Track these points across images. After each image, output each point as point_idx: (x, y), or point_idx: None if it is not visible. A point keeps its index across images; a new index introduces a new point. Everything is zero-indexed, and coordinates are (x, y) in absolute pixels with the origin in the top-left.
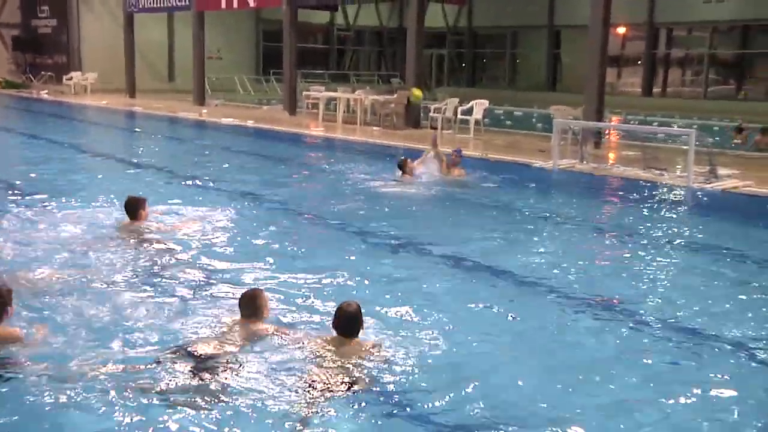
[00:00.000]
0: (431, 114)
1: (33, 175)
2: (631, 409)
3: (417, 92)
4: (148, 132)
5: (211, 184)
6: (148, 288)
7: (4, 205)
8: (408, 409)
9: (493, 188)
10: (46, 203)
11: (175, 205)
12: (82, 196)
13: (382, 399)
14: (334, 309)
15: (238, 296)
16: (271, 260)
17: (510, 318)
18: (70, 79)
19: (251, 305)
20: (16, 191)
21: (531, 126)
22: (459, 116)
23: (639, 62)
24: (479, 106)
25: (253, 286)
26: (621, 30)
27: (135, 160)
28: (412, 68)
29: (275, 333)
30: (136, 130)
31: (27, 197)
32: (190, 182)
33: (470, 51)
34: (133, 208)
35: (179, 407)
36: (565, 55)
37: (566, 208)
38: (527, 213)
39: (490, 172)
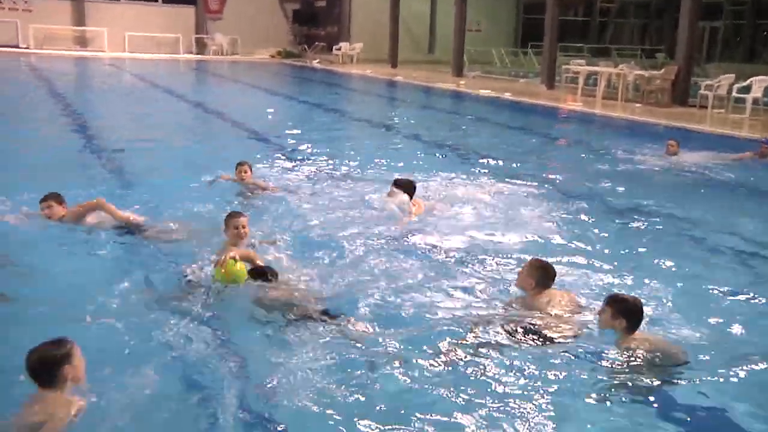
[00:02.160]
0: (701, 91)
1: (301, 135)
2: None
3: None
4: (408, 101)
5: (467, 156)
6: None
7: (278, 169)
8: None
9: None
10: (316, 168)
11: (430, 176)
12: (349, 162)
13: None
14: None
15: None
16: (534, 237)
17: None
18: (339, 49)
19: None
20: (284, 152)
21: None
22: (734, 94)
23: None
24: (759, 84)
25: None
26: None
27: (396, 129)
28: (684, 42)
29: None
30: (397, 98)
31: (298, 161)
32: (444, 152)
33: (750, 22)
34: (411, 189)
35: None
36: None
37: None
38: None
39: None
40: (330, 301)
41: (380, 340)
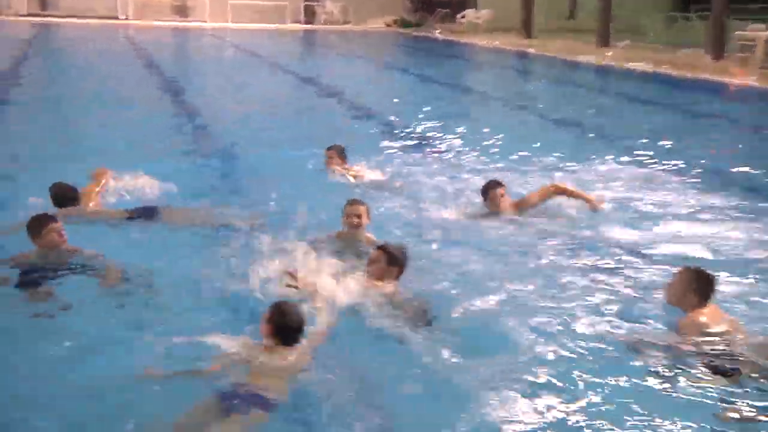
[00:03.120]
0: None
1: (417, 115)
2: None
3: None
4: (544, 76)
5: (613, 141)
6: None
7: (388, 152)
8: None
9: None
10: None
11: (570, 165)
12: (472, 147)
13: None
14: None
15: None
16: (700, 241)
17: None
18: (464, 16)
19: None
20: (397, 134)
21: None
22: None
23: None
24: None
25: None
26: None
27: (530, 109)
28: None
29: None
30: (531, 73)
31: (412, 144)
32: (587, 137)
33: None
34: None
35: None
36: None
37: None
38: None
39: None
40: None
41: (530, 366)
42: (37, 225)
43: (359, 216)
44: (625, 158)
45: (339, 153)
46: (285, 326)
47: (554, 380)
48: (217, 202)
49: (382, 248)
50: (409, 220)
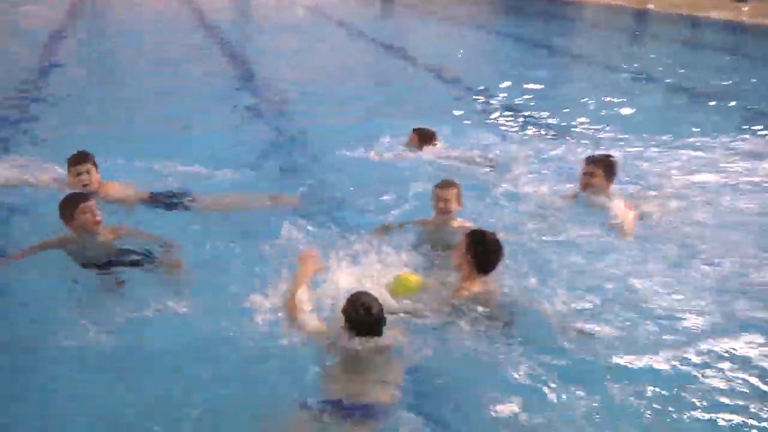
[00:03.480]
0: None
1: (511, 83)
2: None
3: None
4: (665, 37)
5: (752, 113)
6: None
7: (477, 128)
8: None
9: None
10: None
11: (698, 142)
12: (577, 122)
13: None
14: None
15: None
16: None
17: None
18: None
19: None
20: (486, 106)
21: None
22: None
23: None
24: None
25: None
26: None
27: (647, 77)
28: None
29: None
30: (650, 34)
31: (504, 118)
32: (718, 109)
33: None
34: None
35: None
36: None
37: None
38: None
39: None
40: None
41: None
42: (69, 205)
43: (448, 200)
44: (763, 131)
45: (424, 137)
46: (359, 319)
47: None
48: (276, 180)
49: (470, 235)
50: (503, 204)
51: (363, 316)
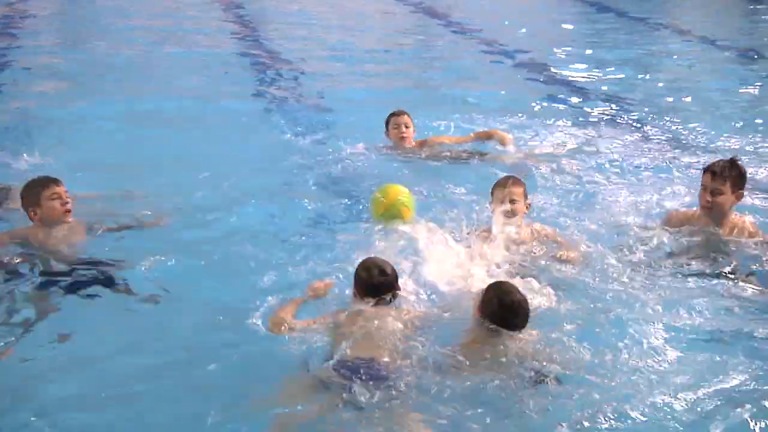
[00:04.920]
0: None
1: (601, 64)
2: None
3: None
4: None
5: None
6: None
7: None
8: None
9: None
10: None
11: None
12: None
13: None
14: None
15: None
16: None
17: None
18: None
19: None
20: (564, 93)
21: None
22: None
23: None
24: None
25: None
26: None
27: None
28: None
29: None
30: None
31: (583, 109)
32: None
33: None
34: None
35: None
36: None
37: None
38: None
39: None
40: None
41: None
42: (35, 187)
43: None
44: None
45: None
46: (369, 282)
47: None
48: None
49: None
50: (576, 215)
51: (377, 276)
